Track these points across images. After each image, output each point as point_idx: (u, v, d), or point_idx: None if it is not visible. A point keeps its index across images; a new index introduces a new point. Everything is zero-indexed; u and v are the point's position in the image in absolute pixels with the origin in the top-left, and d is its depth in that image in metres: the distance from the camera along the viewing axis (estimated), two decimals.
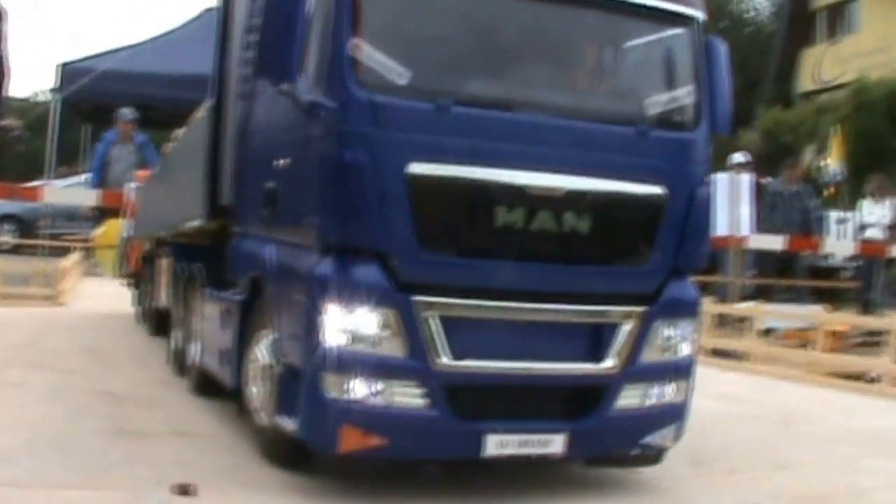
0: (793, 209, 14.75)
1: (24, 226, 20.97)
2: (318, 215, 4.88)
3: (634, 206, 5.17)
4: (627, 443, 5.31)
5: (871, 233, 15.36)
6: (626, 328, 5.12)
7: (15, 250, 18.74)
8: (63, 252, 16.78)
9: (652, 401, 5.25)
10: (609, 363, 5.09)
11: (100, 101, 19.35)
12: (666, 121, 5.30)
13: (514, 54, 5.20)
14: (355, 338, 4.70)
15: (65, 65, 19.51)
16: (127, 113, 17.14)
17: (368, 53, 4.71)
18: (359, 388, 4.69)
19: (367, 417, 4.71)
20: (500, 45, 5.18)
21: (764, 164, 17.06)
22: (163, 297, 9.50)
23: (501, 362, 4.93)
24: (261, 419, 5.52)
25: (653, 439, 5.31)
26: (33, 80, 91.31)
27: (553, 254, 5.01)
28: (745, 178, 14.79)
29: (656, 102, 5.31)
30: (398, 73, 4.73)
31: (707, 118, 5.35)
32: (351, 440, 4.72)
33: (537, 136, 4.94)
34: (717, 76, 5.41)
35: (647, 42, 5.45)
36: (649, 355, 5.20)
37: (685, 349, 5.37)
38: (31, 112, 23.89)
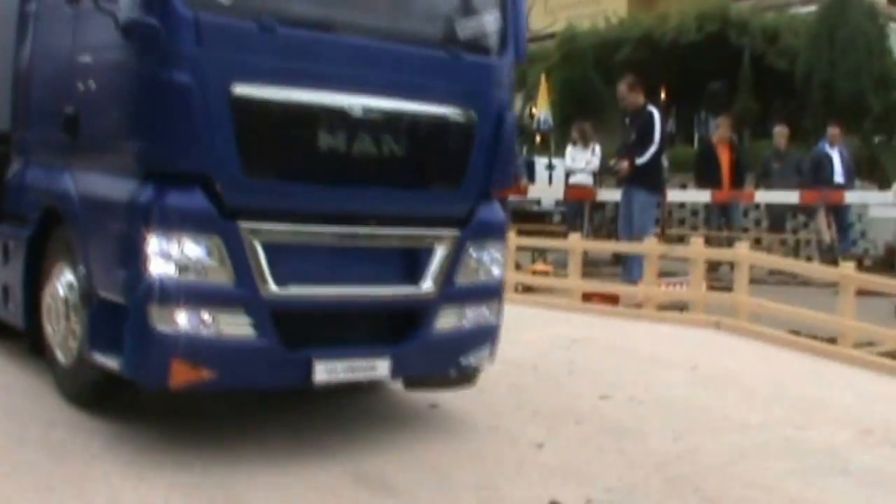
0: None
1: None
2: (137, 139, 4.65)
3: (446, 129, 5.19)
4: (446, 363, 5.33)
5: (577, 178, 15.56)
6: (441, 251, 5.14)
7: None
8: None
9: (468, 321, 5.31)
10: (426, 285, 5.10)
11: None
12: (476, 46, 5.30)
13: None
14: (180, 267, 4.49)
15: None
16: None
17: None
18: (186, 320, 4.50)
19: (196, 349, 4.54)
20: None
21: None
22: None
23: (326, 287, 4.87)
24: (63, 358, 5.19)
25: (470, 360, 5.35)
26: None
27: (371, 177, 4.94)
28: None
29: (467, 27, 5.31)
30: None
31: (512, 45, 5.40)
32: (181, 374, 4.53)
33: (355, 57, 4.87)
34: (519, 4, 5.50)
35: None
36: (463, 277, 5.25)
37: (496, 271, 5.46)
38: None
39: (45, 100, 5.47)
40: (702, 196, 14.56)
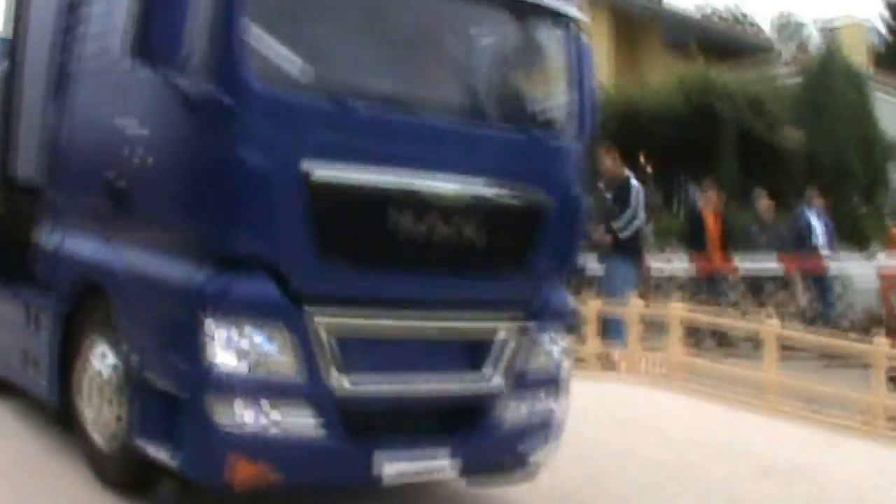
0: None
1: None
2: (199, 220, 4.29)
3: (519, 211, 4.87)
4: (510, 457, 4.99)
5: None
6: (508, 338, 4.84)
7: None
8: None
9: (532, 412, 5.02)
10: (492, 377, 4.80)
11: None
12: (548, 126, 5.09)
13: (407, 51, 4.80)
14: (242, 357, 4.14)
15: None
16: None
17: (267, 44, 4.14)
18: (248, 414, 4.15)
19: (257, 445, 4.18)
20: (393, 42, 4.74)
21: None
22: None
23: (394, 379, 4.55)
24: (100, 440, 4.85)
25: (533, 453, 5.04)
26: None
27: (442, 260, 4.64)
28: None
29: (540, 107, 5.13)
30: (299, 68, 4.18)
31: (582, 125, 5.15)
32: (242, 472, 4.17)
33: (430, 137, 4.60)
34: (589, 84, 5.24)
35: (534, 47, 5.21)
36: (529, 366, 4.95)
37: (559, 359, 5.16)
38: None
39: (85, 163, 5.17)
40: (685, 267, 14.80)
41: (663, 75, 19.77)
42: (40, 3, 5.92)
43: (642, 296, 13.65)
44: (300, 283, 4.25)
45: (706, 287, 14.70)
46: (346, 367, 4.34)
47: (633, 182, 11.75)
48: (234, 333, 4.15)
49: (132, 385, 4.56)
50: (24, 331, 5.61)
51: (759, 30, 36.98)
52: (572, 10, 5.14)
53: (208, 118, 4.19)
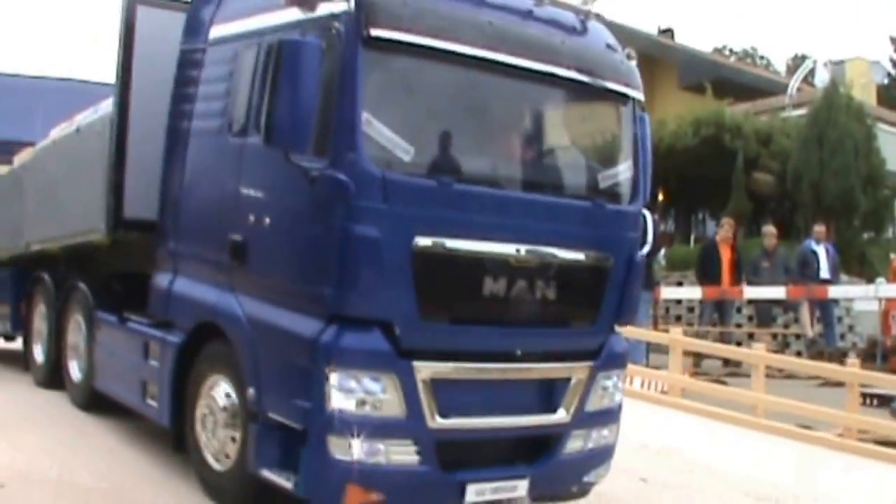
0: None
1: None
2: (320, 284, 4.89)
3: (588, 271, 5.56)
4: (572, 481, 5.71)
5: None
6: (576, 381, 5.52)
7: None
8: None
9: (593, 443, 5.70)
10: (562, 414, 5.48)
11: None
12: (613, 195, 5.72)
13: (496, 136, 5.53)
14: (358, 401, 4.81)
15: None
16: None
17: (378, 130, 4.78)
18: (362, 449, 4.80)
19: (369, 475, 4.83)
20: (485, 128, 5.46)
21: None
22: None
23: (482, 418, 5.21)
24: (218, 464, 5.52)
25: (591, 476, 5.76)
26: None
27: (525, 317, 5.30)
28: None
29: (607, 179, 5.74)
30: (405, 150, 4.84)
31: (642, 192, 5.83)
32: (353, 497, 4.84)
33: (517, 210, 5.24)
34: (647, 155, 5.90)
35: (606, 126, 5.92)
36: (592, 404, 5.63)
37: (617, 396, 5.84)
38: None
39: (207, 219, 5.78)
40: (695, 293, 15.39)
41: (679, 111, 20.27)
42: (147, 53, 6.57)
43: (655, 323, 14.34)
44: (407, 338, 4.90)
45: (715, 309, 15.23)
46: (442, 408, 5.00)
47: (647, 214, 12.41)
48: (352, 382, 4.81)
49: (252, 419, 5.19)
50: (141, 361, 6.28)
51: (775, 71, 37.56)
52: (638, 93, 5.80)
53: (331, 196, 4.78)
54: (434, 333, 5.01)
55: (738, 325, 15.82)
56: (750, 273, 15.25)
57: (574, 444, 5.58)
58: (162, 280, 6.18)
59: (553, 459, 5.49)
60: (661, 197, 18.03)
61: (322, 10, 4.97)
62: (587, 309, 5.60)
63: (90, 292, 7.35)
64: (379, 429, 4.86)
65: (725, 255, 14.91)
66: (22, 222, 8.99)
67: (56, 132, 8.82)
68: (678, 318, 16.81)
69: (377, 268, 4.78)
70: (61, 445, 6.56)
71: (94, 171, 6.94)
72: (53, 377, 8.12)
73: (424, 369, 4.95)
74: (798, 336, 15.35)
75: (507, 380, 5.33)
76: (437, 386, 4.99)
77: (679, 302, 17.22)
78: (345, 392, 4.79)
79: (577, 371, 5.53)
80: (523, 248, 5.20)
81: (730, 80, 23.17)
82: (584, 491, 5.85)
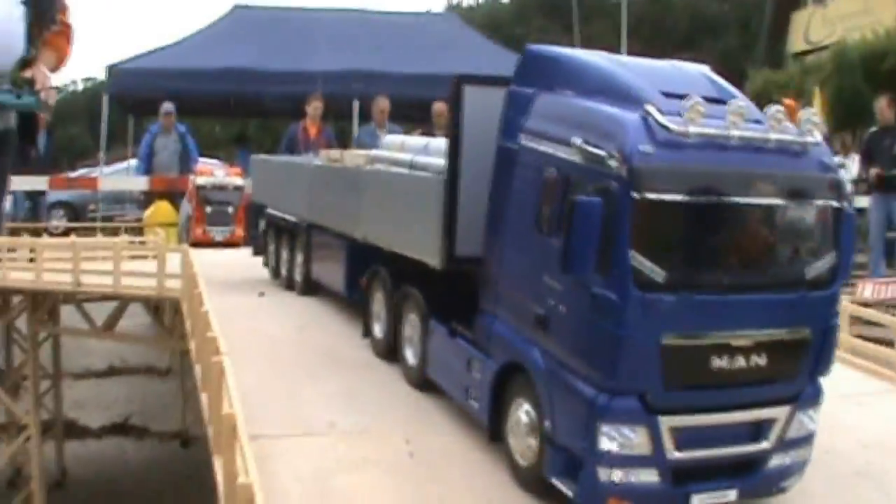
0: None
1: (75, 211, 22.70)
2: (598, 367, 6.83)
3: (792, 345, 7.20)
4: (772, 488, 7.55)
5: None
6: (780, 419, 7.28)
7: (66, 234, 18.00)
8: (114, 233, 17.93)
9: (791, 460, 7.48)
10: (767, 443, 7.29)
11: (141, 96, 21.53)
12: (819, 283, 7.25)
13: (733, 253, 7.11)
14: (619, 444, 6.83)
15: (112, 66, 22.04)
16: (169, 107, 19.15)
17: (640, 260, 6.58)
18: (620, 475, 6.88)
19: (624, 491, 6.91)
20: (723, 247, 7.07)
21: None
22: (327, 276, 12.39)
23: (707, 450, 7.11)
24: (521, 461, 7.72)
25: (788, 483, 7.57)
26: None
27: (744, 383, 7.06)
28: None
29: (814, 270, 7.26)
30: (657, 274, 6.62)
31: (842, 273, 7.34)
32: None
33: (744, 307, 6.94)
34: (849, 238, 7.34)
35: (814, 226, 7.35)
36: (792, 434, 7.40)
37: (811, 426, 7.57)
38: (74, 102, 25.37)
39: (518, 286, 7.76)
40: None
41: None
42: (473, 122, 8.46)
43: None
44: (654, 401, 6.82)
45: None
46: (679, 444, 6.94)
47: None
48: (615, 432, 6.82)
49: (546, 440, 7.31)
50: (465, 371, 8.47)
51: None
52: (845, 202, 7.27)
53: (606, 308, 6.69)
54: (676, 397, 6.88)
55: None
56: None
57: (775, 462, 7.34)
58: (485, 320, 8.24)
59: (758, 474, 7.30)
60: None
61: (604, 168, 6.65)
62: (790, 370, 7.24)
63: (424, 301, 9.44)
64: (632, 461, 6.85)
65: None
66: (359, 216, 10.63)
67: (390, 141, 11.05)
68: None
69: (635, 359, 6.68)
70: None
71: (428, 211, 8.81)
72: (389, 352, 10.42)
73: (667, 421, 6.86)
74: None
75: (727, 424, 7.14)
76: (676, 431, 6.91)
77: None
78: (610, 438, 6.80)
79: (781, 412, 7.25)
80: (741, 334, 6.92)
81: None
82: (781, 491, 7.60)
